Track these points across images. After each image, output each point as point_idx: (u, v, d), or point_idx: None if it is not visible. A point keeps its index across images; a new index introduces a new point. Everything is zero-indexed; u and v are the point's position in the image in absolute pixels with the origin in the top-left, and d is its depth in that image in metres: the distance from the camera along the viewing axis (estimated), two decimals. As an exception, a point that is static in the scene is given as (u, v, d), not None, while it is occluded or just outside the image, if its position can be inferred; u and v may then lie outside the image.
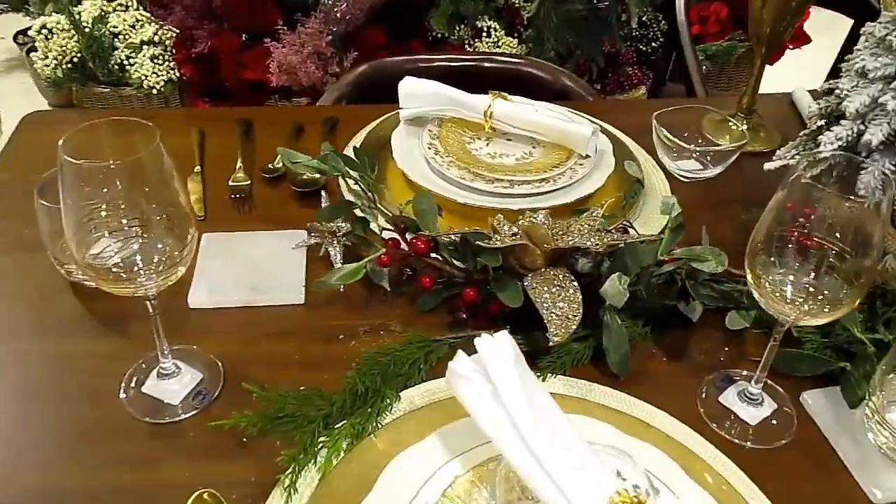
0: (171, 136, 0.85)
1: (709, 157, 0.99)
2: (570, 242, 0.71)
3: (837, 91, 0.81)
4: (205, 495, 0.57)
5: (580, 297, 0.69)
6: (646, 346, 0.75)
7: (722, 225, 0.83)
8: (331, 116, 1.07)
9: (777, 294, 0.63)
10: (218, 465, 0.63)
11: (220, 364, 0.71)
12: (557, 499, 0.48)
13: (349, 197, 0.86)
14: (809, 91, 1.20)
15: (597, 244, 0.69)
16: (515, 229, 0.72)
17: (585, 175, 0.93)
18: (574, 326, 0.67)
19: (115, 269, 0.60)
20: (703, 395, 0.71)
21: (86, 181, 0.55)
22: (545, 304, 0.68)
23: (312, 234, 0.82)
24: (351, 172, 0.76)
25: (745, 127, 1.03)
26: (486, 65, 1.25)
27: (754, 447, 0.67)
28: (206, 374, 0.70)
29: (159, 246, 0.59)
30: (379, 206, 0.76)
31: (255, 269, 0.80)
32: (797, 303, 0.64)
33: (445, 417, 0.62)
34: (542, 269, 0.72)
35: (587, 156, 0.95)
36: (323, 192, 0.86)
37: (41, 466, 0.62)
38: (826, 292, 0.63)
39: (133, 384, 0.68)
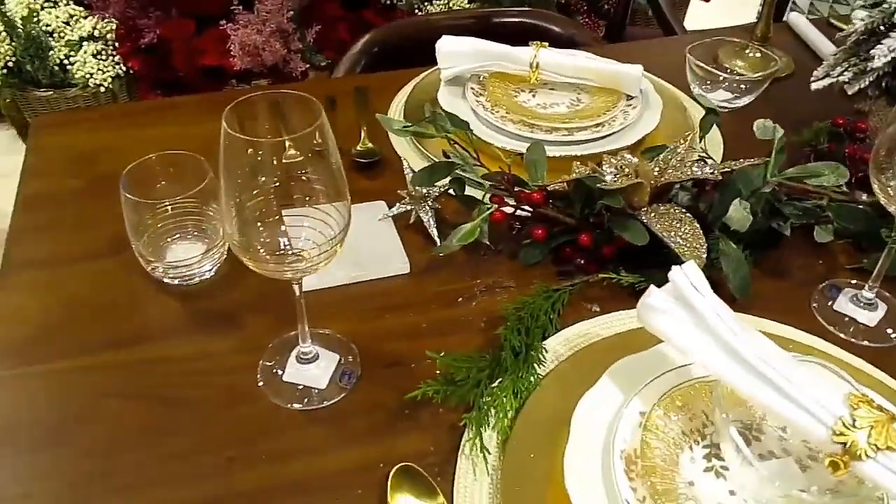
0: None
1: (743, 86, 1.02)
2: (682, 175, 0.72)
3: (885, 5, 0.85)
4: (402, 470, 0.56)
5: (698, 225, 0.71)
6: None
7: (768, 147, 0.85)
8: (360, 86, 1.04)
9: (899, 197, 0.66)
10: (386, 442, 0.61)
11: (352, 344, 0.69)
12: (792, 410, 0.49)
13: (413, 167, 0.84)
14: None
15: (712, 172, 0.71)
16: (627, 170, 0.73)
17: (637, 115, 0.95)
18: (705, 252, 0.68)
19: (282, 252, 0.57)
20: (817, 306, 0.74)
21: (251, 158, 0.52)
22: (670, 236, 0.70)
23: (402, 202, 0.80)
24: (454, 131, 0.75)
25: (762, 54, 1.06)
26: (494, 20, 1.24)
27: (882, 346, 0.71)
28: (342, 355, 0.68)
29: (322, 221, 0.57)
30: (482, 162, 0.74)
31: (349, 245, 0.78)
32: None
33: (596, 362, 0.63)
34: (653, 206, 0.73)
35: (633, 97, 0.96)
36: (405, 161, 0.84)
37: (207, 476, 0.59)
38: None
39: (272, 375, 0.66)
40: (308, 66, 1.93)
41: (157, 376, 0.66)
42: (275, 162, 0.53)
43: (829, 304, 0.74)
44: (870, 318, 0.72)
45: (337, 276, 0.75)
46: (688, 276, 0.55)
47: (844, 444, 0.47)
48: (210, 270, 0.75)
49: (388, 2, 2.17)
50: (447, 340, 0.69)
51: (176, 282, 0.74)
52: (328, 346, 0.68)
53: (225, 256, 0.76)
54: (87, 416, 0.63)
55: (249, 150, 0.52)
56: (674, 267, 0.55)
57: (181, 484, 0.58)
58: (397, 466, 0.56)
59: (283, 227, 0.57)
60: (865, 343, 0.71)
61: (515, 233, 0.77)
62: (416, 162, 0.87)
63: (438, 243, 0.78)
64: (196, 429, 0.62)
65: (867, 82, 0.89)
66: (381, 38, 1.20)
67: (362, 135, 0.91)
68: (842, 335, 0.71)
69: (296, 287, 0.61)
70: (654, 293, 0.55)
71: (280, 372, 0.66)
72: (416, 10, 2.21)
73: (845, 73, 0.90)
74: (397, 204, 0.80)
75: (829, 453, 0.49)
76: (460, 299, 0.74)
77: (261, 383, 0.65)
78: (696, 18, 2.80)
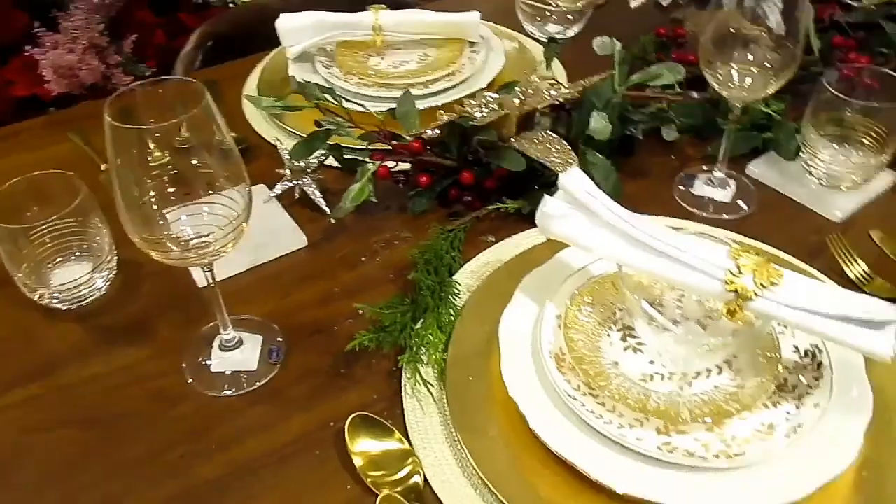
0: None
1: (570, 17, 1.09)
2: (542, 101, 0.78)
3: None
4: (356, 420, 0.58)
5: (564, 142, 0.77)
6: (613, 175, 0.85)
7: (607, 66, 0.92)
8: (209, 79, 1.02)
9: (729, 82, 0.75)
10: (330, 402, 0.63)
11: (272, 323, 0.69)
12: (689, 275, 0.56)
13: (284, 149, 0.84)
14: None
15: (569, 91, 0.77)
16: (492, 105, 0.77)
17: (484, 59, 1.00)
18: (574, 160, 0.74)
19: (187, 240, 0.57)
20: (678, 194, 0.83)
21: (140, 149, 0.51)
22: (543, 157, 0.75)
23: (283, 180, 0.81)
24: (328, 98, 0.76)
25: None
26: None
27: (738, 216, 0.80)
28: (265, 335, 0.68)
29: (224, 204, 0.57)
30: (355, 123, 0.76)
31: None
32: (744, 85, 0.75)
33: (505, 283, 0.68)
34: (521, 135, 0.78)
35: (475, 43, 1.01)
36: (277, 140, 0.84)
37: (165, 476, 0.58)
38: (765, 74, 0.75)
39: (200, 369, 0.66)
40: (132, 78, 1.84)
41: (81, 399, 0.64)
42: (165, 151, 0.53)
43: (688, 190, 0.83)
44: (724, 195, 0.82)
45: (239, 263, 0.75)
46: (575, 181, 0.60)
47: (736, 290, 0.54)
48: (102, 288, 0.73)
49: (201, 0, 2.10)
50: (362, 297, 0.71)
51: (66, 306, 0.71)
52: (249, 330, 0.68)
53: (115, 270, 0.74)
54: (20, 452, 0.60)
55: (137, 141, 0.51)
56: (561, 175, 0.60)
57: (142, 489, 0.57)
58: (351, 417, 0.58)
59: (184, 216, 0.57)
60: (725, 216, 0.80)
61: (401, 185, 0.80)
62: (287, 142, 0.87)
63: (327, 210, 0.79)
64: (139, 438, 0.61)
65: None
66: (213, 31, 1.18)
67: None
68: (704, 214, 0.80)
69: (207, 275, 0.61)
70: (549, 202, 0.60)
71: (207, 363, 0.66)
72: (230, 4, 2.16)
73: (660, -12, 0.99)
74: (279, 183, 0.81)
75: (725, 302, 0.56)
76: (363, 258, 0.76)
77: (190, 380, 0.65)
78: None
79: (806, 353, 0.61)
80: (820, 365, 0.60)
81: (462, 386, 0.62)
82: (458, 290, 0.70)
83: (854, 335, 0.52)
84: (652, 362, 0.61)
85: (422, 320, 0.67)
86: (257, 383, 0.65)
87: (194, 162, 0.55)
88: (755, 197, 0.82)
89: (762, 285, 0.54)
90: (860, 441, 0.54)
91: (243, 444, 0.60)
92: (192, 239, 0.57)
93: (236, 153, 0.56)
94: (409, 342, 0.64)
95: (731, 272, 0.55)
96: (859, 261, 0.73)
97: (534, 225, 0.77)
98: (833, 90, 0.76)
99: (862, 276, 0.71)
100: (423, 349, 0.65)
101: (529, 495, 0.55)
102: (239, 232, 0.58)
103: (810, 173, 0.82)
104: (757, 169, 0.85)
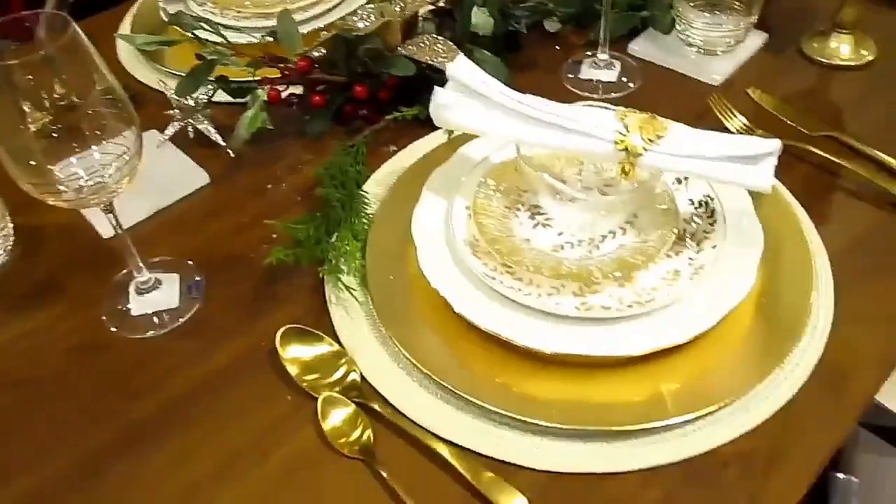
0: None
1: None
2: (421, 8, 0.78)
3: None
4: (286, 333, 0.59)
5: (449, 41, 0.78)
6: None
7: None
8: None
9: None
10: (258, 325, 0.63)
11: (187, 261, 0.69)
12: (582, 141, 0.58)
13: (170, 89, 0.81)
14: None
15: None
16: (373, 14, 0.77)
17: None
18: (459, 53, 0.75)
19: (82, 184, 0.55)
20: (567, 81, 0.85)
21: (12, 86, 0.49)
22: (431, 58, 0.76)
23: (174, 121, 0.79)
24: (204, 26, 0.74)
25: None
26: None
27: (625, 93, 0.83)
28: (181, 272, 0.68)
29: (115, 143, 0.55)
30: (238, 51, 0.75)
31: (142, 178, 0.76)
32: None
33: (411, 185, 0.69)
34: (406, 41, 0.79)
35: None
36: (161, 82, 0.82)
37: (105, 420, 0.58)
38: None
39: (120, 316, 0.65)
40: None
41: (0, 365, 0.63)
42: (45, 100, 0.51)
43: (576, 76, 0.85)
44: (610, 75, 0.85)
45: (142, 209, 0.73)
46: (463, 69, 0.61)
47: (626, 148, 0.57)
48: (1, 257, 0.70)
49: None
50: (272, 226, 0.71)
51: (-32, 279, 0.69)
52: (164, 270, 0.67)
53: (13, 237, 0.72)
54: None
55: (6, 81, 0.49)
56: (448, 65, 0.61)
57: (77, 440, 0.57)
58: (281, 330, 0.59)
59: (75, 160, 0.55)
60: (613, 95, 0.83)
61: (295, 107, 0.79)
62: (171, 83, 0.85)
63: (224, 144, 0.78)
64: (68, 392, 0.60)
65: None
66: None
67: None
68: (595, 96, 0.83)
69: (110, 218, 0.60)
70: (441, 93, 0.61)
71: (127, 308, 0.65)
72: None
73: None
74: (170, 125, 0.79)
75: (619, 162, 0.59)
76: (269, 186, 0.76)
77: (112, 328, 0.64)
78: None
79: (700, 203, 0.65)
80: (713, 212, 0.64)
81: (384, 286, 0.63)
82: (368, 200, 0.71)
83: (736, 172, 0.56)
84: (560, 234, 0.64)
85: (336, 233, 0.68)
86: (181, 319, 0.64)
87: (78, 109, 0.53)
88: (639, 73, 0.85)
89: (649, 140, 0.57)
90: (755, 272, 0.58)
91: (176, 378, 0.60)
92: (85, 179, 0.55)
93: (119, 91, 0.55)
94: (327, 255, 0.65)
95: (619, 133, 0.58)
96: (739, 115, 0.77)
97: (433, 129, 0.79)
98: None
99: (742, 128, 0.76)
100: (342, 259, 0.65)
101: (463, 372, 0.57)
102: (133, 167, 0.57)
103: (688, 44, 0.86)
104: (638, 47, 0.88)
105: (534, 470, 0.53)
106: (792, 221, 0.66)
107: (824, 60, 0.85)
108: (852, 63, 0.84)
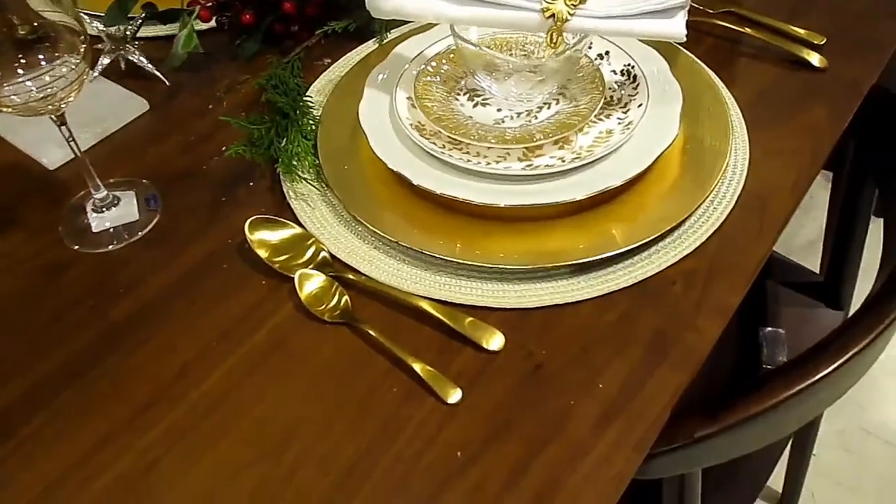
0: None
1: None
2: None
3: None
4: (253, 222, 0.61)
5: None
6: None
7: None
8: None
9: None
10: (222, 226, 0.65)
11: (141, 179, 0.70)
12: (512, 14, 0.62)
13: (96, 24, 0.82)
14: None
15: None
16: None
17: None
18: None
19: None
20: None
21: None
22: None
23: (104, 53, 0.79)
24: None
25: None
26: None
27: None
28: (137, 189, 0.69)
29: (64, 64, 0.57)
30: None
31: (80, 111, 0.76)
32: None
33: (352, 87, 0.72)
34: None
35: None
36: (83, 16, 0.81)
37: (78, 330, 0.59)
38: None
39: (81, 234, 0.65)
40: None
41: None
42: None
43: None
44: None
45: (85, 139, 0.73)
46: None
47: (553, 15, 0.62)
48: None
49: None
50: (222, 139, 0.72)
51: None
52: (120, 189, 0.68)
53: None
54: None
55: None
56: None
57: (52, 347, 0.58)
58: (249, 220, 0.61)
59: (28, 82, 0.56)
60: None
61: (226, 28, 0.80)
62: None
63: (159, 74, 0.79)
64: (39, 307, 0.61)
65: None
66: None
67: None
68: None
69: (64, 130, 0.61)
70: (375, -20, 0.64)
71: (87, 225, 0.66)
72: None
73: None
74: (101, 57, 0.79)
75: (547, 32, 0.63)
76: (210, 106, 0.78)
77: (75, 246, 0.65)
78: None
79: (622, 71, 0.70)
80: (635, 77, 0.69)
81: (340, 175, 0.66)
82: (312, 104, 0.73)
83: (654, 25, 0.62)
84: (500, 110, 0.68)
85: (285, 137, 0.70)
86: (142, 231, 0.66)
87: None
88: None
89: (573, 4, 0.62)
90: (678, 122, 0.64)
91: (148, 282, 0.62)
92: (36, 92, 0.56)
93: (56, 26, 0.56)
94: (280, 155, 0.68)
95: (545, 1, 0.62)
96: None
97: (365, 40, 0.82)
98: None
99: None
100: (295, 158, 0.68)
101: (428, 238, 0.61)
102: (81, 73, 0.58)
103: None
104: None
105: (504, 309, 0.57)
106: (705, 81, 0.72)
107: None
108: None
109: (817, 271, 1.10)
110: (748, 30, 0.78)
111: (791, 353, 0.93)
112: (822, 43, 0.76)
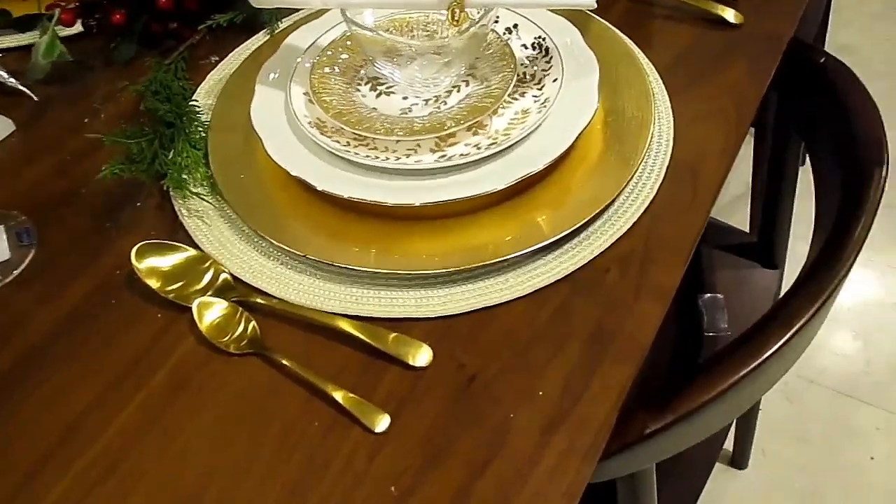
0: None
1: None
2: None
3: None
4: (140, 250, 0.55)
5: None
6: None
7: None
8: None
9: None
10: (107, 256, 0.58)
11: (9, 211, 0.62)
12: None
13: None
14: None
15: None
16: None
17: None
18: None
19: None
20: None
21: None
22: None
23: (-43, 71, 0.70)
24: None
25: None
26: None
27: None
28: (4, 223, 0.61)
29: None
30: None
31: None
32: None
33: (242, 87, 0.65)
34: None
35: None
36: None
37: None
38: None
39: (-57, 281, 0.57)
40: None
41: None
42: None
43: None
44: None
45: (-60, 170, 0.65)
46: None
47: (452, -10, 0.57)
48: None
49: None
50: (102, 157, 0.65)
51: None
52: (-19, 225, 0.60)
53: None
54: None
55: None
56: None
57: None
58: (135, 248, 0.54)
59: None
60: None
61: (95, 31, 0.72)
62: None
63: (24, 89, 0.71)
64: None
65: None
66: None
67: None
68: None
69: None
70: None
71: (-51, 274, 0.58)
72: None
73: None
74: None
75: (447, 8, 0.58)
76: (86, 120, 0.70)
77: (-63, 297, 0.57)
78: None
79: (533, 45, 0.66)
80: (547, 50, 0.65)
81: (237, 186, 0.60)
82: (199, 109, 0.66)
83: (562, -7, 0.57)
84: (405, 98, 0.63)
85: (172, 148, 0.63)
86: (16, 270, 0.58)
87: None
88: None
89: (474, -23, 0.56)
90: (596, 94, 0.60)
91: (29, 326, 0.55)
92: None
93: None
94: (167, 169, 0.61)
95: (442, -24, 0.57)
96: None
97: (253, 32, 0.75)
98: None
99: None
100: (185, 171, 0.61)
101: (340, 247, 0.56)
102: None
103: None
104: None
105: (429, 319, 0.52)
106: (621, 48, 0.68)
107: None
108: None
109: (746, 228, 1.08)
110: (659, -10, 0.74)
111: (731, 318, 0.92)
112: (737, -1, 0.73)
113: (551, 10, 0.66)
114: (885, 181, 0.58)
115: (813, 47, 0.75)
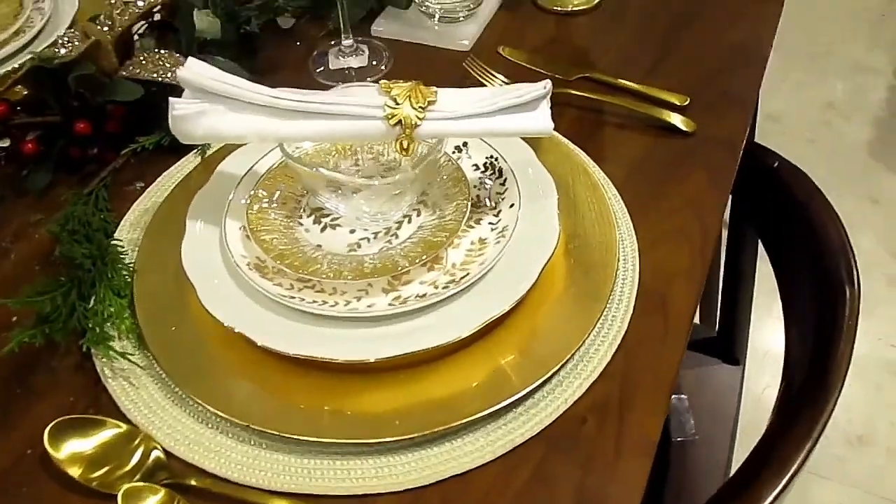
0: None
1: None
2: (131, 21, 0.68)
3: None
4: (54, 429, 0.47)
5: (176, 54, 0.69)
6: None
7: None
8: None
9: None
10: (20, 429, 0.51)
11: None
12: (349, 125, 0.52)
13: None
14: None
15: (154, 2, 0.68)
16: (75, 40, 0.66)
17: (53, 4, 0.85)
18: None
19: None
20: (319, 74, 0.79)
21: None
22: (159, 73, 0.66)
23: None
24: None
25: None
26: None
27: (377, 76, 0.79)
28: None
29: None
30: None
31: None
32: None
33: (171, 221, 0.59)
34: (126, 62, 0.68)
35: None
36: None
37: None
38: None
39: None
40: None
41: None
42: None
43: (326, 67, 0.80)
44: (359, 60, 0.80)
45: None
46: (195, 71, 0.53)
47: (400, 121, 0.52)
48: None
49: None
50: (4, 314, 0.57)
51: None
52: None
53: None
54: None
55: None
56: (178, 71, 0.52)
57: None
58: (48, 428, 0.47)
59: None
60: (369, 79, 0.78)
61: (3, 163, 0.65)
62: None
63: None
64: None
65: None
66: None
67: None
68: (352, 84, 0.78)
69: None
70: (177, 103, 0.52)
71: None
72: None
73: None
74: None
75: (396, 139, 0.54)
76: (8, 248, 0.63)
77: None
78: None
79: (485, 166, 0.62)
80: (501, 171, 0.61)
81: (167, 340, 0.54)
82: (123, 248, 0.60)
83: (516, 122, 0.54)
84: (353, 231, 0.58)
85: (93, 297, 0.56)
86: (-89, 454, 0.50)
87: None
88: (389, 53, 0.81)
89: (421, 107, 0.53)
90: (557, 221, 0.56)
91: None
92: None
93: None
94: (87, 324, 0.54)
95: (388, 106, 0.53)
96: (497, 75, 0.76)
97: (183, 153, 0.70)
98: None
99: (504, 85, 0.75)
100: (107, 324, 0.55)
101: (286, 411, 0.50)
102: None
103: (429, 15, 0.84)
104: (381, 28, 0.84)
105: (393, 493, 0.46)
106: (576, 163, 0.65)
107: (558, 9, 0.86)
108: (584, 7, 0.86)
109: (699, 320, 1.06)
110: (608, 98, 0.72)
111: (695, 419, 0.89)
112: (686, 104, 0.72)
113: (502, 127, 0.63)
114: (858, 301, 0.56)
115: (765, 149, 0.74)
